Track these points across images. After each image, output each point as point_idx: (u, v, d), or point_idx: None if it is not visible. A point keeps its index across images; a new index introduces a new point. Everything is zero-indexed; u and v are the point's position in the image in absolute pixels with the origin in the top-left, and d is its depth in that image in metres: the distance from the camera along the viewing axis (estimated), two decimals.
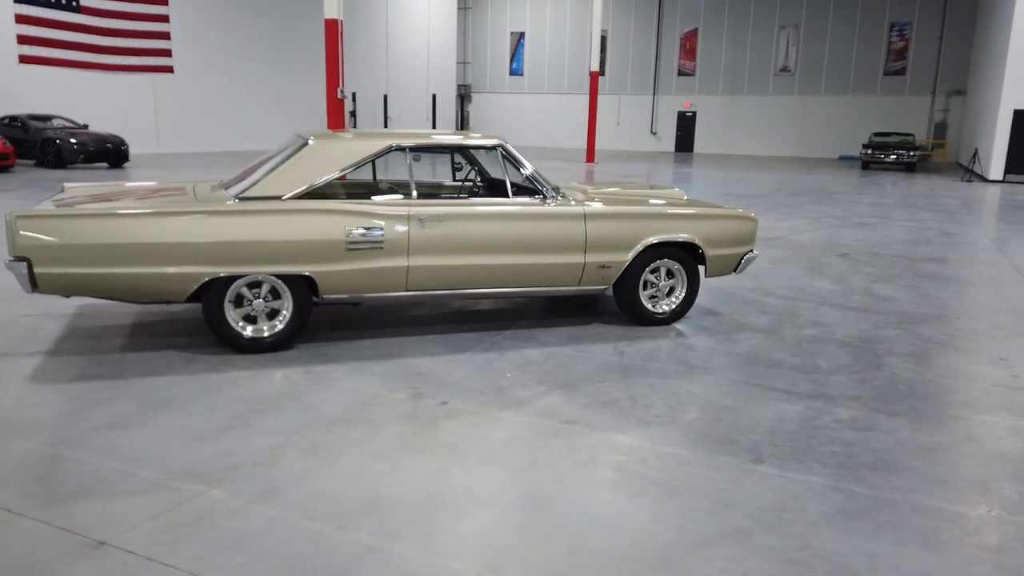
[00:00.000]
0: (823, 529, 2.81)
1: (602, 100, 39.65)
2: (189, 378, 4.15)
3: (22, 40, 20.55)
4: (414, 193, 4.88)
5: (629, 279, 5.33)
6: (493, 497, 2.96)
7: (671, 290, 5.56)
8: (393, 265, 4.70)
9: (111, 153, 17.88)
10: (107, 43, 22.90)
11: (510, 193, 5.13)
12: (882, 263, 8.33)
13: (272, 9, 27.71)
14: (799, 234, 10.47)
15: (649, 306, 5.47)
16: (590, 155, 27.00)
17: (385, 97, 33.95)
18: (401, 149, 4.93)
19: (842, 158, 34.96)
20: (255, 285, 4.56)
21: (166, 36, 24.52)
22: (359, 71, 33.52)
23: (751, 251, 5.66)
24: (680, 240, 5.34)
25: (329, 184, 4.79)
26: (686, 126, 39.11)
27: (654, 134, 39.78)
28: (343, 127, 14.58)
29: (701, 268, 5.59)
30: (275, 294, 4.61)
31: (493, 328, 5.32)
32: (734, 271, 5.67)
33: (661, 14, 38.54)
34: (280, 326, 4.63)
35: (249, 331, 4.57)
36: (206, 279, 4.37)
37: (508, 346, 4.92)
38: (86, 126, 19.12)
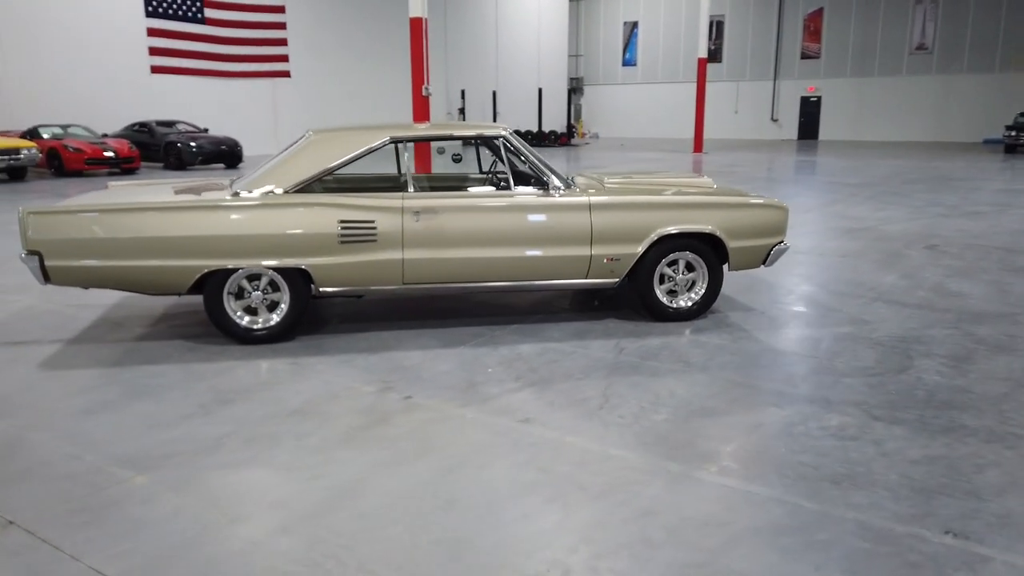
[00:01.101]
0: (741, 546, 2.56)
1: (719, 87, 38.36)
2: (180, 367, 4.32)
3: (153, 52, 22.19)
4: (410, 186, 4.86)
5: (643, 272, 5.09)
6: (401, 497, 2.89)
7: (692, 285, 5.26)
8: (387, 258, 4.70)
9: (226, 155, 19.03)
10: (230, 51, 24.33)
11: (512, 184, 5.00)
12: (972, 256, 7.56)
13: (382, 12, 28.55)
14: (891, 224, 9.68)
15: (665, 301, 5.20)
16: (697, 145, 26.16)
17: (494, 93, 34.26)
18: (400, 141, 4.92)
19: (987, 141, 32.10)
20: (255, 278, 4.68)
21: (283, 43, 25.78)
22: (468, 68, 34.02)
23: (781, 242, 5.27)
24: (697, 231, 5.04)
25: (331, 178, 4.84)
26: (810, 112, 37.16)
27: (775, 121, 38.05)
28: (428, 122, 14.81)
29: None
30: (274, 286, 4.72)
31: (500, 322, 5.23)
32: (763, 264, 5.29)
33: None
34: (277, 318, 4.73)
35: (247, 322, 4.70)
36: (204, 272, 4.53)
37: (506, 340, 4.82)
38: (206, 130, 20.45)
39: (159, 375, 4.20)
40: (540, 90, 32.43)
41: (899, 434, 3.44)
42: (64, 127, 17.97)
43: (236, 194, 4.66)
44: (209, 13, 23.58)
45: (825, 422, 3.57)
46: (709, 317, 5.37)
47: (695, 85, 27.00)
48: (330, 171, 4.76)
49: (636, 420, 3.60)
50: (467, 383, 4.08)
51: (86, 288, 4.64)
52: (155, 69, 22.26)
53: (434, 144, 4.98)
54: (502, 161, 5.08)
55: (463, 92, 33.49)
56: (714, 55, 39.19)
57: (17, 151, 15.27)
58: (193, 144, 18.50)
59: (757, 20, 37.63)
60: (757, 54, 37.89)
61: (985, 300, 5.80)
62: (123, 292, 5.64)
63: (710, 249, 5.15)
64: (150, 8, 21.95)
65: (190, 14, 23.06)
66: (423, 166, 14.17)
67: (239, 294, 4.70)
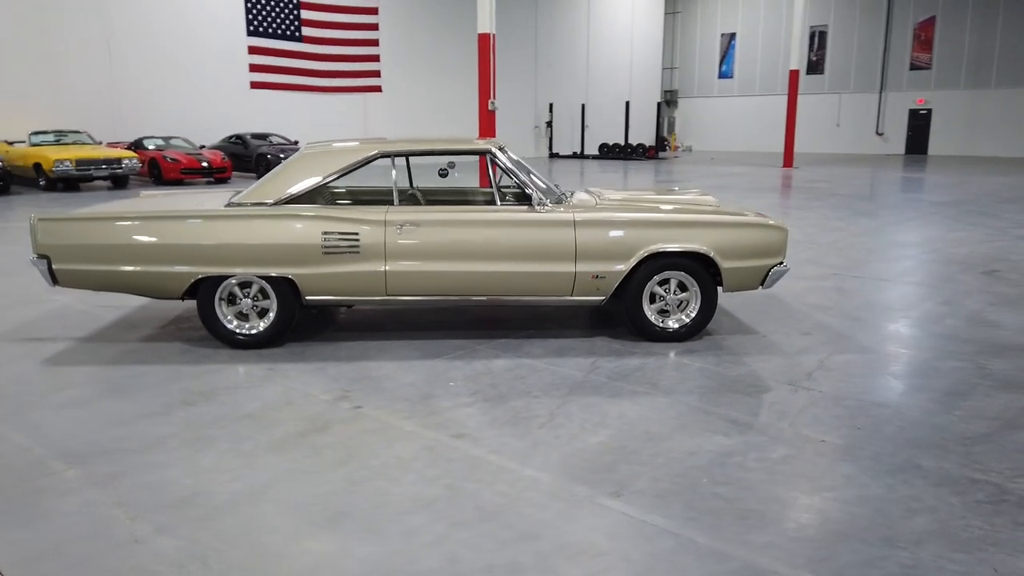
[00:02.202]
0: None
1: (820, 100, 37.01)
2: (166, 368, 4.56)
3: (253, 68, 23.37)
4: (395, 199, 4.96)
5: (631, 291, 5.00)
6: (298, 505, 2.96)
7: (685, 305, 5.11)
8: (370, 270, 4.81)
9: None
10: (325, 68, 25.35)
11: (497, 199, 5.02)
12: None
13: (469, 28, 29.11)
14: (960, 246, 9.07)
15: (655, 321, 5.08)
16: (788, 159, 25.27)
17: (583, 106, 34.23)
18: (389, 156, 5.03)
19: None
20: (247, 285, 4.89)
21: (376, 59, 26.64)
22: (557, 82, 34.15)
23: (780, 263, 5.05)
24: (687, 250, 4.90)
25: (320, 190, 5.00)
26: (918, 126, 35.23)
27: (880, 135, 36.29)
28: (494, 136, 14.98)
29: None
30: (264, 294, 4.91)
31: (488, 336, 5.25)
32: (761, 286, 5.09)
33: (892, 3, 35.07)
34: (263, 325, 4.92)
35: (235, 327, 4.91)
36: (197, 278, 4.77)
37: (485, 355, 4.83)
38: (296, 142, 21.39)
39: (143, 375, 4.44)
40: (627, 103, 32.15)
41: (843, 471, 3.24)
42: (166, 139, 19.21)
43: (230, 205, 4.88)
44: (307, 32, 24.65)
45: (768, 454, 3.41)
46: (705, 339, 5.20)
47: (798, 96, 26.08)
48: (318, 184, 4.91)
49: (569, 441, 3.54)
50: (423, 396, 4.12)
51: (95, 291, 4.95)
52: (254, 85, 23.41)
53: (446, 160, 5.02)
54: (491, 176, 5.10)
55: (551, 105, 33.64)
56: (815, 66, 37.87)
57: (119, 161, 16.43)
58: (282, 155, 19.37)
59: (863, 29, 36.05)
60: (862, 65, 36.28)
61: (1019, 332, 5.36)
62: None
63: (703, 269, 5.00)
64: (251, 27, 23.15)
65: (288, 32, 24.18)
66: (483, 180, 14.30)
67: (232, 300, 4.91)
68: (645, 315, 5.07)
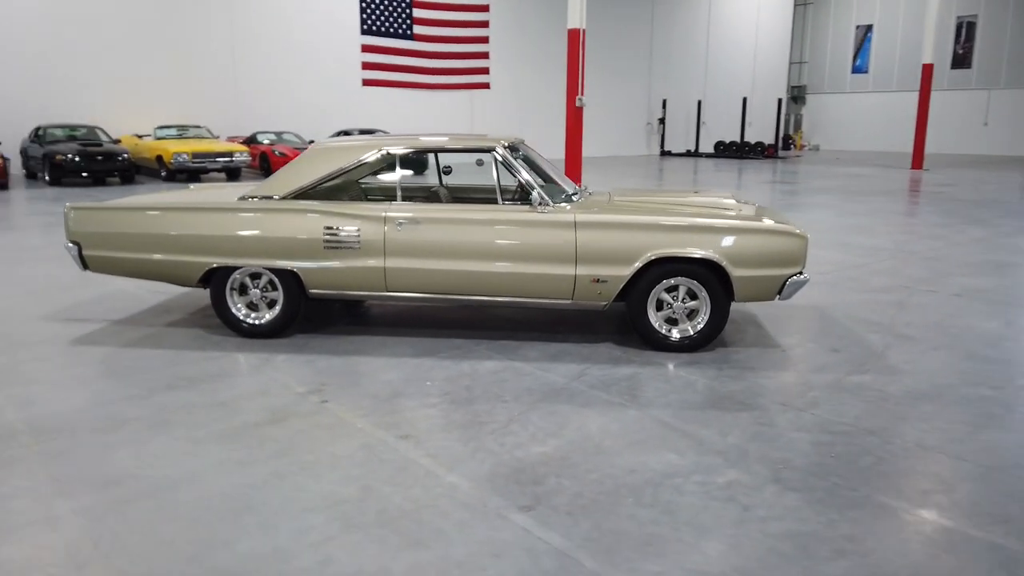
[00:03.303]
0: None
1: (966, 97, 34.30)
2: (172, 352, 4.79)
3: (365, 66, 24.19)
4: (399, 195, 4.99)
5: (635, 297, 4.80)
6: (212, 496, 3.02)
7: (695, 314, 4.86)
8: (370, 265, 4.86)
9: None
10: (435, 65, 25.88)
11: (500, 199, 4.95)
12: None
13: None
14: None
15: (661, 329, 4.86)
16: (916, 160, 23.54)
17: (699, 103, 33.26)
18: (392, 153, 5.05)
19: None
20: (257, 276, 5.06)
21: (485, 56, 26.94)
22: (673, 77, 33.35)
23: (798, 274, 4.70)
24: (693, 256, 4.65)
25: (328, 186, 5.10)
26: None
27: None
28: (580, 136, 14.81)
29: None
30: (273, 286, 5.06)
31: (491, 336, 5.19)
32: (778, 296, 4.75)
33: None
34: (268, 316, 5.07)
35: (243, 315, 5.09)
36: (209, 268, 4.98)
37: (478, 355, 4.78)
38: None
39: (148, 358, 4.69)
40: (744, 99, 30.93)
41: (786, 502, 2.98)
42: (278, 134, 20.23)
43: (242, 199, 5.06)
44: (418, 30, 25.25)
45: (715, 477, 3.18)
46: (717, 350, 4.93)
47: (937, 94, 24.30)
48: (323, 180, 5.01)
49: (512, 449, 3.44)
50: (394, 394, 4.13)
51: (123, 276, 5.27)
52: (366, 82, 24.22)
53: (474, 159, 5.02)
54: (495, 175, 5.02)
55: (664, 102, 32.90)
56: (961, 59, 35.11)
57: (231, 155, 17.47)
58: None
59: (1017, 20, 33.05)
60: (1015, 58, 33.28)
61: None
62: None
63: (713, 277, 4.73)
64: (365, 26, 23.96)
65: (401, 31, 24.86)
66: (573, 176, 14.16)
67: (243, 290, 5.09)
68: (650, 323, 4.85)
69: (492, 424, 3.72)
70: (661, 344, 4.87)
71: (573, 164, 14.59)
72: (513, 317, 5.72)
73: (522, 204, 4.90)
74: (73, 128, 17.33)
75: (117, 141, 17.58)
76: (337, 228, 4.84)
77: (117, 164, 16.05)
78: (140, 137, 18.56)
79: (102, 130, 17.63)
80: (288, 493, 3.03)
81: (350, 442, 3.50)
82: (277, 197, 5.01)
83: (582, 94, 14.25)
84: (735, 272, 4.66)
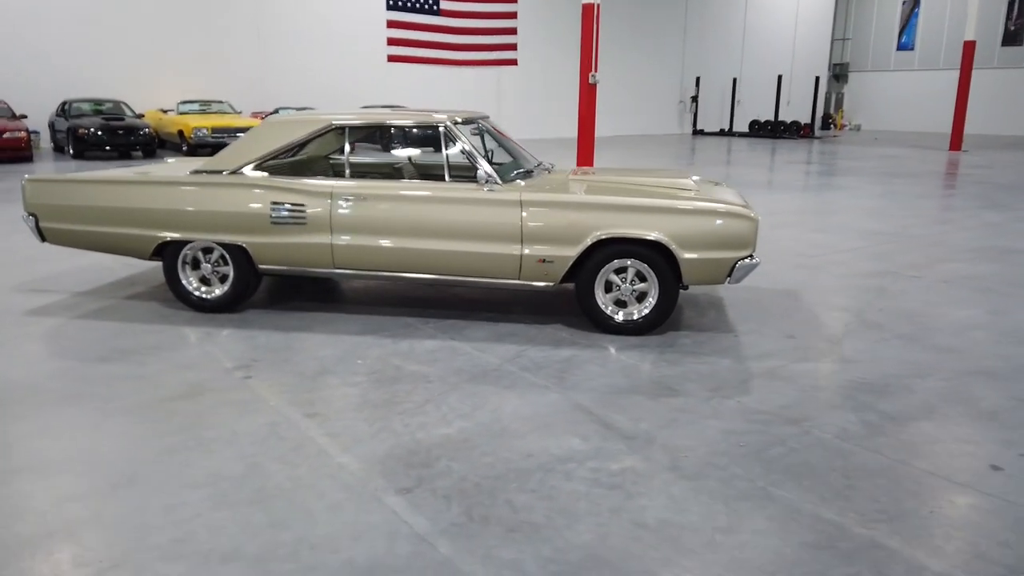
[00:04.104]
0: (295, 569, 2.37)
1: (1018, 75, 32.88)
2: (119, 324, 4.83)
3: (391, 42, 24.11)
4: (347, 172, 4.94)
5: (583, 278, 4.70)
6: (93, 466, 3.04)
7: (645, 296, 4.75)
8: (316, 241, 4.84)
9: None
10: (461, 41, 25.68)
11: (447, 175, 4.88)
12: None
13: (607, 4, 28.38)
14: None
15: (607, 311, 4.76)
16: (955, 141, 22.72)
17: (734, 80, 32.51)
18: (340, 128, 5.01)
19: None
20: (209, 251, 5.08)
21: (513, 32, 26.64)
22: (708, 54, 32.66)
23: (748, 258, 4.55)
24: (639, 237, 4.53)
25: (277, 161, 5.07)
26: None
27: None
28: (593, 114, 14.57)
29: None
30: (225, 261, 5.07)
31: (442, 315, 5.14)
32: (727, 280, 4.61)
33: None
34: (219, 291, 5.09)
35: (193, 289, 5.11)
36: (160, 241, 5.01)
37: (423, 335, 4.74)
38: None
39: (93, 329, 4.74)
40: (779, 77, 30.13)
41: (673, 491, 2.89)
42: (300, 110, 20.32)
43: (195, 172, 5.07)
44: (444, 5, 25.06)
45: (609, 464, 3.10)
46: (667, 333, 4.81)
47: (987, 72, 23.40)
48: (273, 155, 4.98)
49: (416, 430, 3.40)
50: (321, 371, 4.11)
51: (80, 249, 5.32)
52: (391, 58, 24.12)
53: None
54: (443, 152, 4.94)
55: (697, 79, 32.24)
56: (1014, 36, 33.68)
57: (246, 130, 17.60)
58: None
59: None
60: None
61: None
62: None
63: (660, 259, 4.60)
64: (391, 2, 23.86)
65: (427, 6, 24.70)
66: (585, 161, 13.97)
67: (196, 264, 5.12)
68: (597, 304, 4.75)
69: (406, 404, 3.68)
70: (608, 326, 4.77)
71: (586, 143, 14.39)
72: (472, 297, 5.66)
73: (471, 182, 4.81)
74: (98, 103, 17.64)
75: (141, 116, 17.84)
76: (283, 204, 4.82)
77: (139, 138, 16.30)
78: (165, 112, 18.81)
79: (127, 105, 17.91)
80: (175, 469, 3.03)
81: (256, 419, 3.50)
82: (226, 172, 5.00)
83: (596, 71, 13.99)
84: (682, 254, 4.53)
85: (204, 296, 5.09)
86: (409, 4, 24.33)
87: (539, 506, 2.78)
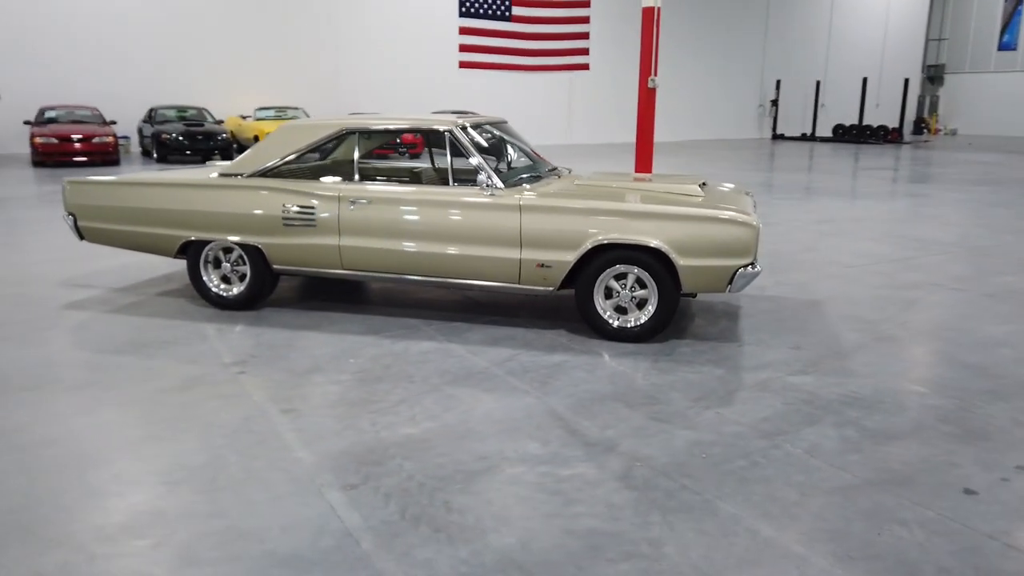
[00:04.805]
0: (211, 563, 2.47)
1: None
2: (142, 319, 5.10)
3: (463, 48, 24.44)
4: (356, 175, 5.07)
5: (582, 283, 4.69)
6: (69, 453, 3.22)
7: (644, 303, 4.69)
8: (325, 243, 4.99)
9: None
10: (533, 46, 25.75)
11: (451, 180, 4.94)
12: None
13: (680, 8, 27.96)
14: None
15: (605, 316, 4.72)
16: None
17: (818, 83, 31.46)
18: (352, 133, 5.14)
19: None
20: (230, 250, 5.30)
21: (586, 36, 26.55)
22: (788, 57, 31.73)
23: (749, 265, 4.43)
24: (635, 243, 4.49)
25: (293, 165, 5.25)
26: None
27: None
28: (652, 117, 14.37)
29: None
30: (243, 260, 5.29)
31: (444, 318, 5.21)
32: (728, 288, 4.50)
33: None
34: (236, 289, 5.31)
35: (214, 287, 5.34)
36: (184, 241, 5.27)
37: (421, 336, 4.82)
38: None
39: (117, 323, 5.02)
40: (864, 80, 28.95)
41: (615, 499, 2.86)
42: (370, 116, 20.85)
43: (215, 175, 5.30)
44: (517, 11, 25.19)
45: (560, 470, 3.09)
46: (669, 340, 4.74)
47: None
48: (288, 159, 5.16)
49: (381, 429, 3.46)
50: (312, 369, 4.23)
51: (113, 247, 5.63)
52: (462, 64, 24.47)
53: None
54: (448, 156, 5.00)
55: (778, 83, 31.34)
56: None
57: None
58: None
59: None
60: None
61: None
62: None
63: (659, 265, 4.54)
64: (463, 8, 24.17)
65: (499, 12, 24.90)
66: (644, 167, 13.78)
67: (217, 264, 5.35)
68: (596, 310, 4.72)
69: (381, 404, 3.75)
70: (606, 332, 4.73)
71: (645, 149, 14.19)
72: (482, 300, 5.71)
73: (474, 186, 4.86)
74: (182, 109, 18.57)
75: (221, 122, 18.68)
76: (294, 206, 4.98)
77: (217, 143, 17.07)
78: (243, 118, 19.63)
79: (208, 112, 18.80)
80: (143, 457, 3.19)
81: (235, 412, 3.63)
82: (245, 175, 5.21)
83: (655, 75, 13.81)
84: (681, 262, 4.45)
85: (223, 294, 5.31)
86: (481, 10, 24.58)
87: (475, 508, 2.80)
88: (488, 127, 5.44)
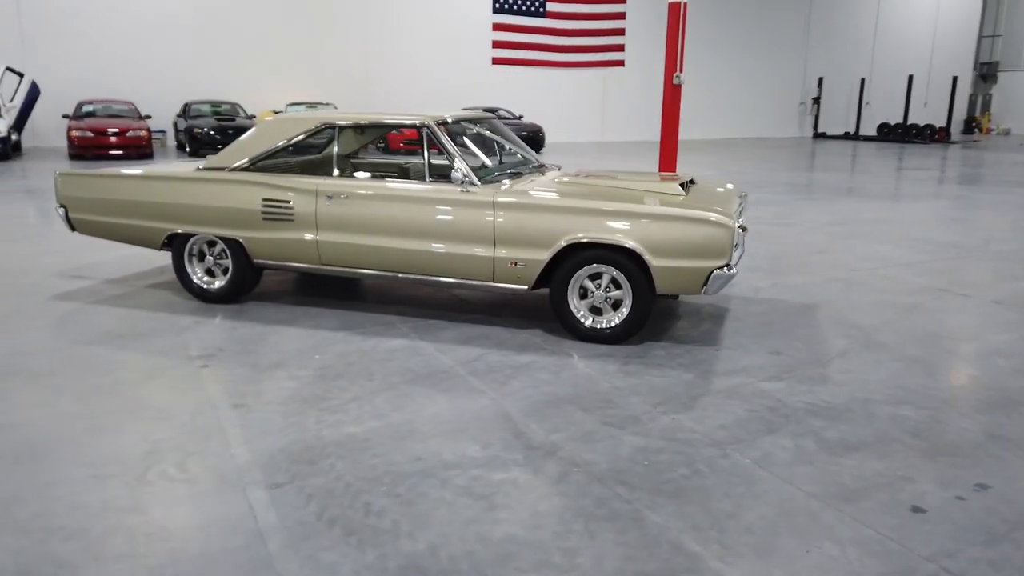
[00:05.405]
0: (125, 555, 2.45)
1: None
2: (124, 311, 5.15)
3: (496, 45, 24.39)
4: (334, 170, 5.05)
5: (556, 283, 4.59)
6: (20, 441, 3.24)
7: (620, 304, 4.58)
8: (303, 237, 4.98)
9: (528, 140, 20.35)
10: (567, 43, 25.59)
11: (426, 175, 4.89)
12: None
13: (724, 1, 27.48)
14: None
15: (578, 316, 4.62)
16: None
17: (862, 81, 30.66)
18: (332, 127, 5.11)
19: None
20: (214, 244, 5.33)
21: (621, 32, 26.29)
22: (832, 53, 30.99)
23: (724, 267, 4.28)
24: (608, 242, 4.38)
25: (275, 159, 5.25)
26: None
27: None
28: (677, 114, 14.13)
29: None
30: (226, 254, 5.31)
31: (421, 315, 5.16)
32: (703, 290, 4.36)
33: None
34: (219, 283, 5.33)
35: (198, 279, 5.37)
36: (169, 233, 5.31)
37: (393, 334, 4.77)
38: (520, 117, 22.06)
39: (100, 314, 5.07)
40: (910, 77, 28.12)
41: (541, 506, 2.77)
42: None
43: (199, 169, 5.33)
44: (551, 7, 25.06)
45: (493, 474, 3.01)
46: (645, 342, 4.62)
47: None
48: (270, 153, 5.15)
49: (325, 428, 3.42)
50: (276, 364, 4.22)
51: (102, 238, 5.69)
52: (496, 61, 24.40)
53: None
54: (424, 152, 4.95)
55: (820, 80, 30.63)
56: None
57: None
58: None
59: None
60: None
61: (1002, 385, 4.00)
62: None
63: (634, 266, 4.42)
64: (497, 5, 24.11)
65: (533, 9, 24.79)
66: (668, 165, 13.56)
67: (201, 256, 5.38)
68: (569, 310, 4.62)
69: (333, 401, 3.71)
70: (580, 333, 4.63)
71: (669, 147, 13.95)
72: (469, 298, 5.64)
73: (449, 183, 4.80)
74: (215, 104, 18.88)
75: (253, 116, 18.93)
76: (273, 200, 4.98)
77: None
78: (276, 113, 19.87)
79: (240, 106, 19.07)
80: (82, 447, 3.20)
81: (185, 406, 3.63)
82: (228, 168, 5.22)
83: (680, 71, 13.57)
84: (655, 262, 4.33)
85: (205, 287, 5.34)
86: (515, 7, 24.50)
87: (394, 511, 2.74)
88: (475, 123, 5.37)
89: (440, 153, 4.88)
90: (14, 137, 16.46)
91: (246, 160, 5.18)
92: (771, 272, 6.56)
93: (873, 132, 30.88)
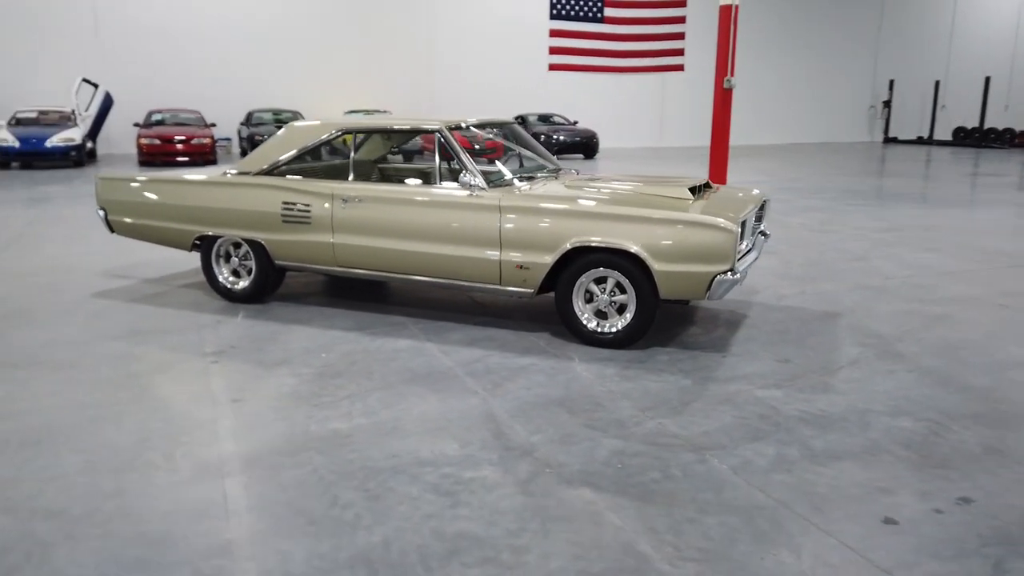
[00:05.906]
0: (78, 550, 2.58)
1: None
2: (152, 308, 5.39)
3: (553, 51, 24.44)
4: (351, 174, 5.18)
5: (561, 286, 4.61)
6: (26, 428, 3.43)
7: (625, 308, 4.56)
8: (320, 240, 5.13)
9: (582, 146, 20.36)
10: (625, 48, 25.44)
11: (438, 179, 4.97)
12: None
13: (792, 2, 26.88)
14: None
15: (582, 320, 4.62)
16: None
17: (937, 83, 29.52)
18: (348, 133, 5.25)
19: None
20: (239, 245, 5.53)
21: (681, 36, 26.00)
22: (904, 54, 29.95)
23: (727, 272, 4.22)
24: (611, 246, 4.37)
25: (295, 164, 5.41)
26: None
27: None
28: (728, 119, 13.89)
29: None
30: (250, 256, 5.50)
31: (435, 317, 5.23)
32: (706, 295, 4.30)
33: None
34: (243, 283, 5.53)
35: (224, 279, 5.57)
36: (198, 235, 5.53)
37: (403, 334, 4.86)
38: (575, 123, 22.04)
39: (131, 312, 5.32)
40: (987, 79, 26.92)
41: (504, 505, 2.79)
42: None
43: (225, 174, 5.54)
44: (609, 12, 24.95)
45: (465, 472, 3.05)
46: (651, 348, 4.59)
47: None
48: (291, 158, 5.32)
49: (313, 424, 3.52)
50: (282, 361, 4.35)
51: (139, 240, 5.95)
52: (552, 67, 24.45)
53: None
54: (436, 156, 5.03)
55: (891, 83, 29.63)
56: None
57: None
58: (554, 136, 20.19)
59: None
60: None
61: None
62: None
63: (637, 270, 4.40)
64: (554, 11, 24.17)
65: (591, 14, 24.76)
66: (718, 172, 13.36)
67: (228, 258, 5.59)
68: (574, 314, 4.63)
69: (327, 399, 3.81)
70: (584, 336, 4.62)
71: (719, 152, 13.74)
72: (484, 300, 5.69)
73: (459, 186, 4.87)
74: (278, 112, 19.48)
75: None
76: (292, 203, 5.14)
77: None
78: None
79: (301, 115, 19.62)
80: (82, 435, 3.37)
81: (186, 400, 3.78)
82: (252, 173, 5.41)
83: (732, 75, 13.36)
84: (657, 266, 4.30)
85: (230, 286, 5.54)
86: (573, 12, 24.50)
87: (360, 505, 2.80)
88: (493, 128, 5.44)
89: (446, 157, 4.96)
90: (89, 145, 17.34)
91: (268, 165, 5.36)
92: (801, 279, 6.41)
93: (948, 136, 29.68)
